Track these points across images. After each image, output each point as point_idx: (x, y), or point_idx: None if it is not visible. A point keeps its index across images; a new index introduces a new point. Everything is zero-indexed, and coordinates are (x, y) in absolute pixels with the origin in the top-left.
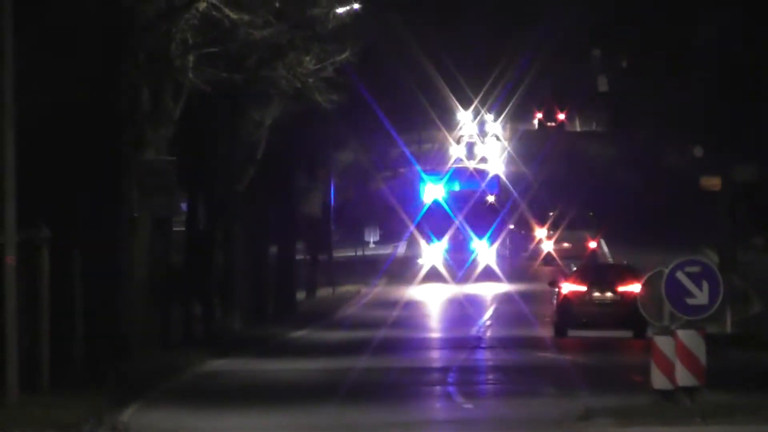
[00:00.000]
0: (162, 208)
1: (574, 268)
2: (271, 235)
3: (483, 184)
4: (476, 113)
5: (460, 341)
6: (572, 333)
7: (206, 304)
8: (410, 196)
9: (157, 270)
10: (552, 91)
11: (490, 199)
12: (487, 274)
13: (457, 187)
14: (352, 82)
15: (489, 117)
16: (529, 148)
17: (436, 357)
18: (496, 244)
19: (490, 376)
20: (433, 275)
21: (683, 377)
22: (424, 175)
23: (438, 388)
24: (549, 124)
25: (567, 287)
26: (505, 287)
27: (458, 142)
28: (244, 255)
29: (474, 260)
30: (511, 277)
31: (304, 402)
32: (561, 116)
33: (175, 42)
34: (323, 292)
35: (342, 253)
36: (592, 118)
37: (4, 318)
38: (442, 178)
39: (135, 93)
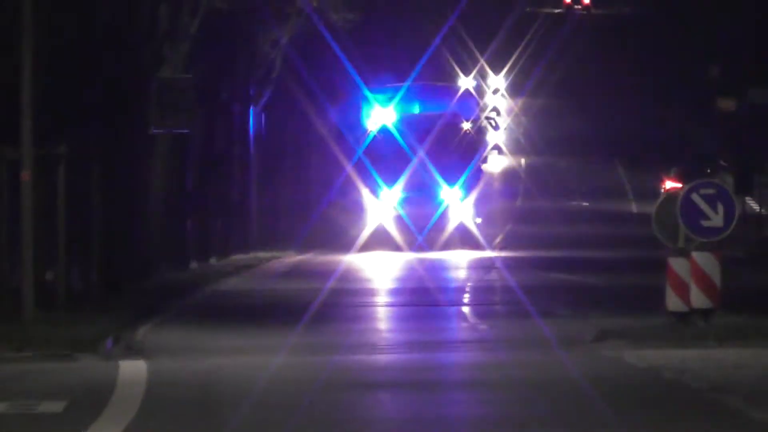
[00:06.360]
0: (179, 125)
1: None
2: (286, 154)
3: (452, 105)
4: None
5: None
6: None
7: (222, 223)
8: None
9: (174, 188)
10: None
11: (465, 126)
12: (461, 239)
13: (416, 110)
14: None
15: (491, 83)
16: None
17: (452, 277)
18: (473, 194)
19: (504, 297)
20: (380, 240)
21: (698, 299)
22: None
23: (453, 308)
24: (576, 6)
25: (669, 185)
26: (486, 254)
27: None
28: (259, 175)
29: (441, 217)
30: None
31: (312, 320)
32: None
33: None
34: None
35: None
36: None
37: (21, 235)
38: (392, 97)
39: (153, 8)
